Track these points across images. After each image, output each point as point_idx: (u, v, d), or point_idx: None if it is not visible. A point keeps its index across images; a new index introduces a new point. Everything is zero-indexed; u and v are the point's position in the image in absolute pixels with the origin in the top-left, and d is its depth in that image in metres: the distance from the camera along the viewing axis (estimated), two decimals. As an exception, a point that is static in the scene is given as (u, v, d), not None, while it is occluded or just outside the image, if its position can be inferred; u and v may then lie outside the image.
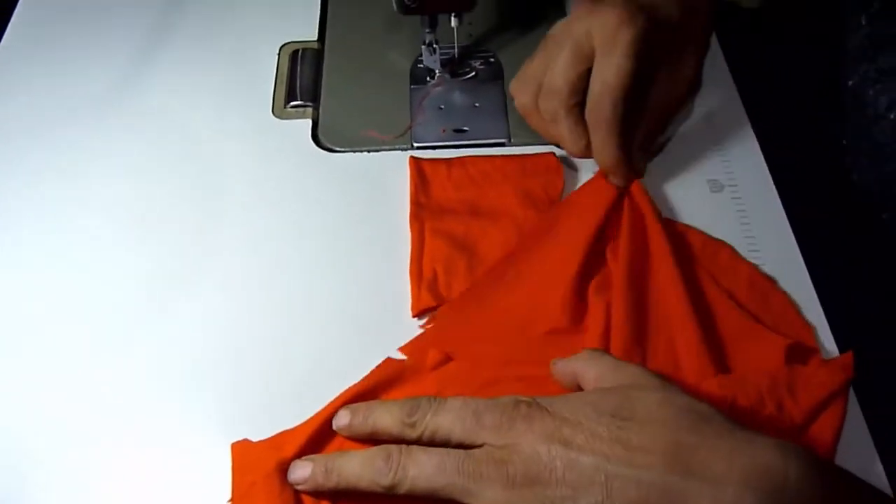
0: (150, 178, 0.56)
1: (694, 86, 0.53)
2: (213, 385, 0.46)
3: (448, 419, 0.38)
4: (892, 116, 0.54)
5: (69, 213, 0.54)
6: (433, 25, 0.58)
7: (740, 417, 0.38)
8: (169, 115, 0.60)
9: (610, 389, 0.37)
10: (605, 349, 0.44)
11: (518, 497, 0.34)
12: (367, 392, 0.44)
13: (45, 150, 0.58)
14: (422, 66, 0.61)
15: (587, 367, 0.40)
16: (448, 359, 0.45)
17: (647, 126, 0.51)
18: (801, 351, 0.44)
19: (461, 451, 0.37)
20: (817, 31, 0.62)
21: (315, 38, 0.65)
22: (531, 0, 0.66)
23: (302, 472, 0.39)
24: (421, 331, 0.47)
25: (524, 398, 0.37)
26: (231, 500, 0.40)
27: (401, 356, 0.46)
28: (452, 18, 0.57)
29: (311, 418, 0.43)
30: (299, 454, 0.41)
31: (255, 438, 0.43)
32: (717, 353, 0.44)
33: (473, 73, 0.61)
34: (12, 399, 0.46)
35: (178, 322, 0.48)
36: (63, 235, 0.53)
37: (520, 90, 0.53)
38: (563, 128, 0.50)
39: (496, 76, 0.61)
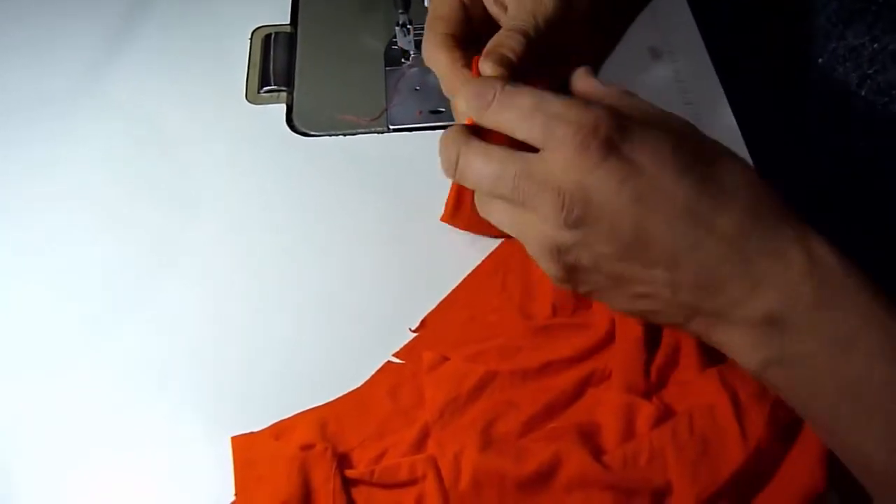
0: (123, 168, 0.55)
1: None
2: (191, 378, 0.45)
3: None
4: (862, 93, 0.54)
5: (39, 205, 0.53)
6: (406, 6, 0.57)
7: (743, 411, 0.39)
8: (140, 103, 0.59)
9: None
10: (610, 342, 0.44)
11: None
12: (367, 397, 0.43)
13: (13, 142, 0.57)
14: (396, 47, 0.61)
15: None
16: (444, 359, 0.44)
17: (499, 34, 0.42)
18: None
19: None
20: (790, 8, 0.62)
21: (288, 21, 0.64)
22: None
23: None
24: (412, 335, 0.46)
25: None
26: (235, 494, 0.40)
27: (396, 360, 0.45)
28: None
29: (312, 409, 0.43)
30: (304, 443, 0.41)
31: (236, 427, 0.42)
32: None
33: None
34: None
35: (153, 314, 0.48)
36: (33, 228, 0.52)
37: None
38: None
39: (471, 56, 0.61)
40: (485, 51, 0.40)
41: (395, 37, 0.60)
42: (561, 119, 0.34)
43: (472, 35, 0.44)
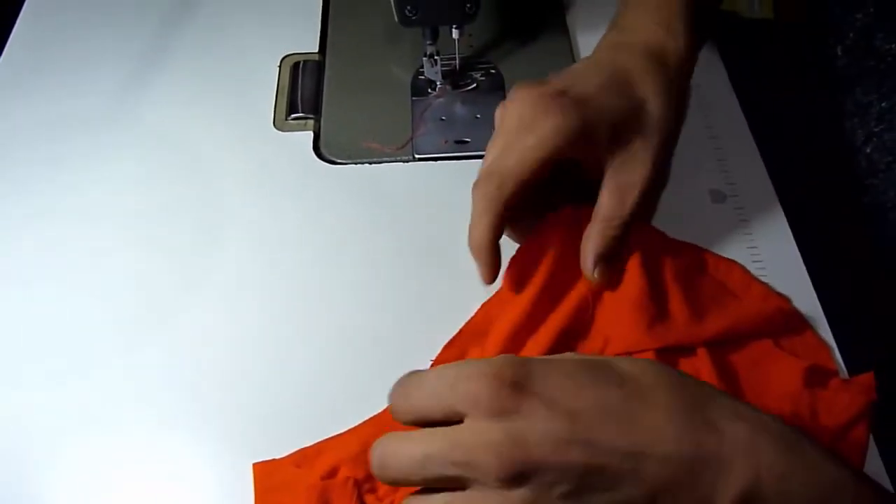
0: (152, 192, 0.56)
1: (653, 183, 0.45)
2: (214, 400, 0.45)
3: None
4: (867, 151, 0.54)
5: (71, 226, 0.54)
6: (434, 37, 0.58)
7: None
8: (170, 129, 0.60)
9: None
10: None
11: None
12: (391, 422, 0.40)
13: (46, 163, 0.58)
14: (423, 77, 0.61)
15: None
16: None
17: (601, 230, 0.44)
18: (820, 373, 0.43)
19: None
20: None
21: (316, 49, 0.65)
22: (531, 11, 0.66)
23: None
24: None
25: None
26: None
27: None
28: (454, 30, 0.57)
29: (341, 435, 0.42)
30: (326, 470, 0.41)
31: (257, 451, 0.42)
32: (733, 376, 0.43)
33: (474, 85, 0.61)
34: (14, 409, 0.45)
35: (180, 336, 0.48)
36: (64, 249, 0.53)
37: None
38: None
39: (497, 87, 0.61)
40: (599, 254, 0.44)
41: (421, 67, 0.61)
42: (465, 378, 0.33)
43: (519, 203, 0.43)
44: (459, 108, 0.60)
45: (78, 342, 0.48)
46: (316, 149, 0.58)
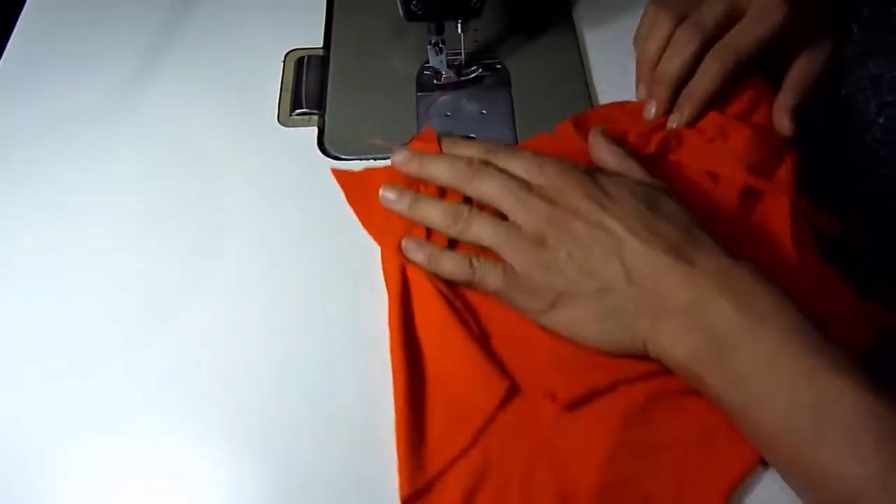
0: (155, 188, 0.55)
1: (829, 60, 0.55)
2: (218, 395, 0.45)
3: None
4: (881, 121, 0.54)
5: (73, 222, 0.54)
6: (439, 32, 0.57)
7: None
8: (173, 124, 0.59)
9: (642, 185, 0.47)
10: None
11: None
12: None
13: (48, 160, 0.58)
14: (428, 73, 0.61)
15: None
16: None
17: (794, 91, 0.55)
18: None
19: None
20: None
21: (320, 45, 0.64)
22: (537, 7, 0.66)
23: (392, 194, 0.51)
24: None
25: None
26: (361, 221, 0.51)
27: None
28: (459, 25, 0.56)
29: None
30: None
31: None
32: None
33: (479, 70, 0.60)
34: (14, 409, 0.45)
35: (182, 332, 0.48)
36: (66, 245, 0.53)
37: (664, 7, 0.56)
38: (679, 62, 0.54)
39: (503, 83, 0.61)
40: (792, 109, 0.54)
41: (426, 62, 0.60)
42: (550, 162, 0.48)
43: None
44: (465, 104, 0.60)
45: (78, 341, 0.48)
46: (320, 145, 0.57)
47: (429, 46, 0.58)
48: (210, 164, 0.56)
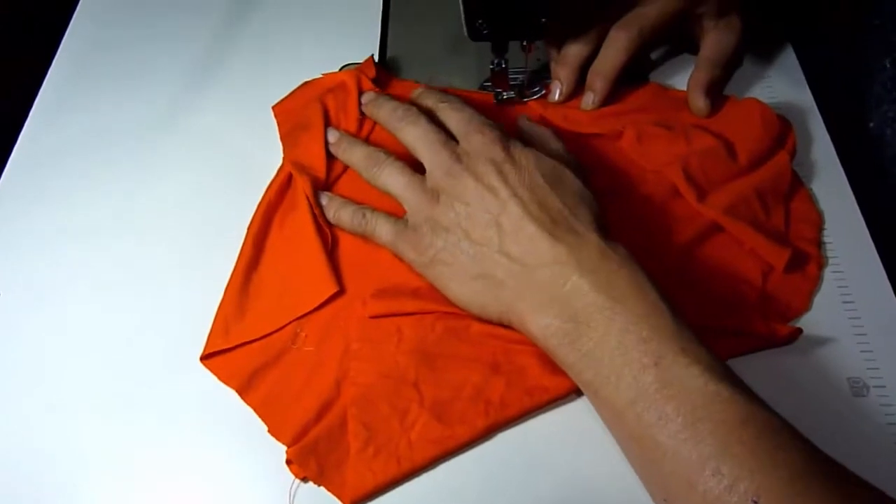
0: (204, 200, 0.55)
1: (742, 37, 0.56)
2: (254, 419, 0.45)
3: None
4: None
5: (124, 235, 0.53)
6: (503, 51, 0.55)
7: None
8: (223, 137, 0.58)
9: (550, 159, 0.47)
10: None
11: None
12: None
13: (99, 172, 0.57)
14: (488, 91, 0.59)
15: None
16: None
17: (705, 69, 0.56)
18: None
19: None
20: (847, 79, 0.62)
21: (376, 59, 0.63)
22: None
23: (333, 137, 0.54)
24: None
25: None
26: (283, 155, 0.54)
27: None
28: (524, 45, 0.55)
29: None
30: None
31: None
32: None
33: (542, 91, 0.59)
34: (43, 418, 0.45)
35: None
36: (116, 258, 0.52)
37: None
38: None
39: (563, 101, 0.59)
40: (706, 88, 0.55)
41: (486, 80, 0.59)
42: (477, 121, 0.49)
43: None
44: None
45: (123, 354, 0.48)
46: (377, 163, 0.56)
47: (491, 66, 0.56)
48: (261, 178, 0.55)
